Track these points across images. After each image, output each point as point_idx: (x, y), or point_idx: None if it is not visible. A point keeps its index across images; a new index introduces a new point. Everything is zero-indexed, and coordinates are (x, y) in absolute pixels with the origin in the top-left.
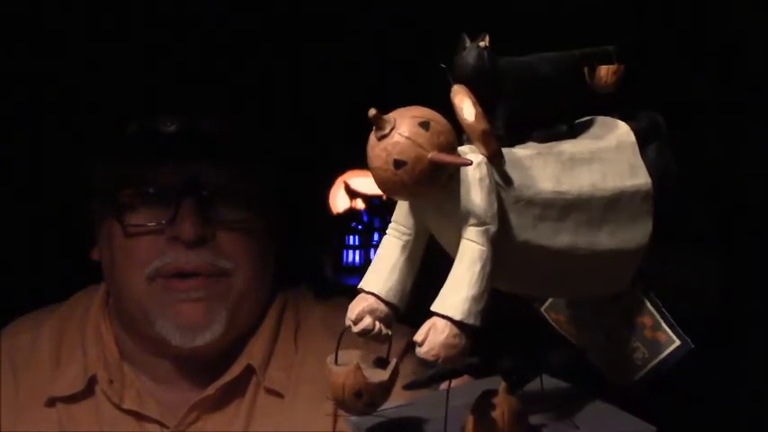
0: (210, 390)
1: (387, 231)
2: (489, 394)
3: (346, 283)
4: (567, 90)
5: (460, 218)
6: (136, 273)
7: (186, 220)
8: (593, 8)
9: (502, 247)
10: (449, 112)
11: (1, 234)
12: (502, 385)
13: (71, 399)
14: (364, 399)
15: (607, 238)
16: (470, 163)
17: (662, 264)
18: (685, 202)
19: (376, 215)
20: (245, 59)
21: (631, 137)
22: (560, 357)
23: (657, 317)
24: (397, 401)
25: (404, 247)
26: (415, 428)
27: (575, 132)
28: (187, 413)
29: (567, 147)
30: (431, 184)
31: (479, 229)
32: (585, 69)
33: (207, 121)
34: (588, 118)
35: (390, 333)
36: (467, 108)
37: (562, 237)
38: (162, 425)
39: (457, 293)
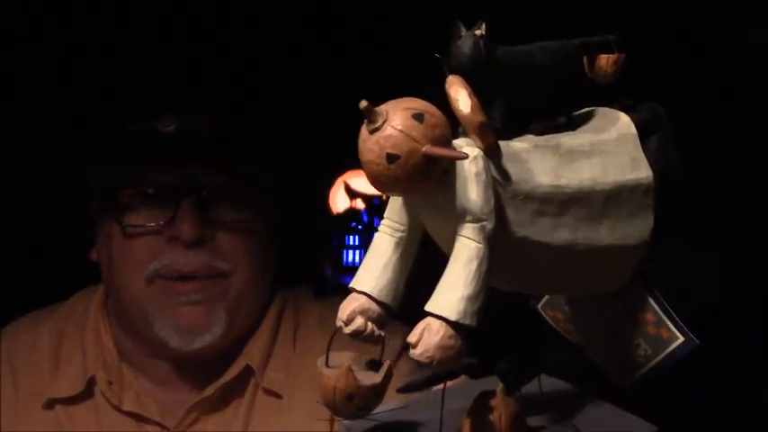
0: (209, 390)
1: (379, 228)
2: (486, 396)
3: (346, 284)
4: (566, 80)
5: (456, 214)
6: (135, 274)
7: (185, 221)
8: None
9: (499, 244)
10: (445, 104)
11: (0, 234)
12: (499, 387)
13: (70, 400)
14: (356, 402)
15: (607, 233)
16: (466, 156)
17: (662, 261)
18: (686, 201)
19: (376, 215)
20: (244, 59)
21: (632, 129)
22: (558, 357)
23: (660, 313)
24: (393, 403)
25: (397, 244)
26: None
27: (574, 124)
28: (186, 414)
29: (566, 139)
30: (425, 178)
31: (476, 225)
32: (585, 59)
33: (206, 121)
34: (588, 109)
35: (383, 334)
36: (462, 99)
37: (561, 232)
38: (161, 426)
39: (452, 293)
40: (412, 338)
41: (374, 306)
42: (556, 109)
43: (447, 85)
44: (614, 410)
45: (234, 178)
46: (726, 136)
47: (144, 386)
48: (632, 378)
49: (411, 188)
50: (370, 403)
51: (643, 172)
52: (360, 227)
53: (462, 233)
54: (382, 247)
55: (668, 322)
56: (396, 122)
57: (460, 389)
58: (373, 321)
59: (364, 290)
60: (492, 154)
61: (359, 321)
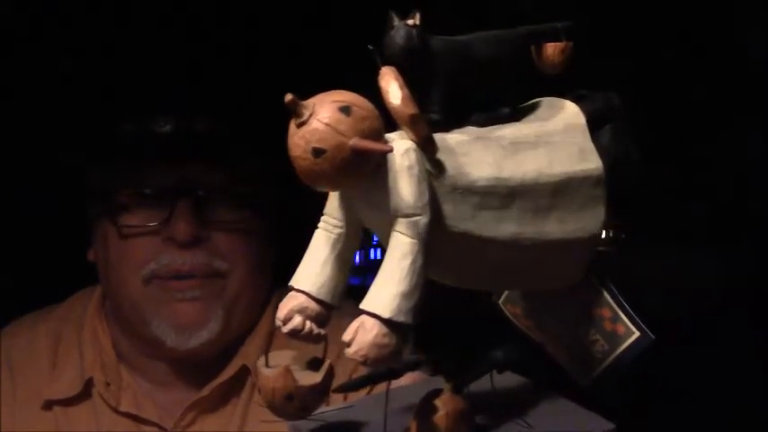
0: (206, 391)
1: (318, 225)
2: (433, 395)
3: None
4: (510, 70)
5: (390, 209)
6: (131, 275)
7: (181, 221)
8: None
9: (439, 239)
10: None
11: None
12: (446, 385)
13: (68, 401)
14: (296, 402)
15: (556, 227)
16: (391, 150)
17: (662, 261)
18: (685, 201)
19: None
20: (241, 59)
21: (581, 119)
22: (509, 354)
23: (616, 308)
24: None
25: (336, 241)
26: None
27: (519, 115)
28: (183, 414)
29: (510, 131)
30: (355, 173)
31: (409, 220)
32: (533, 48)
33: (202, 121)
34: (535, 100)
35: (323, 332)
36: (393, 91)
37: (505, 226)
38: (159, 427)
39: (386, 290)
40: (346, 337)
41: (313, 304)
42: (500, 99)
43: (379, 77)
44: (571, 406)
45: (231, 178)
46: (726, 136)
47: (142, 387)
48: (593, 375)
49: (341, 183)
50: (312, 403)
51: (592, 163)
52: None
53: (396, 228)
54: (320, 245)
55: (624, 317)
56: (322, 116)
57: (413, 387)
58: (312, 320)
59: (302, 288)
60: (426, 147)
61: (297, 320)
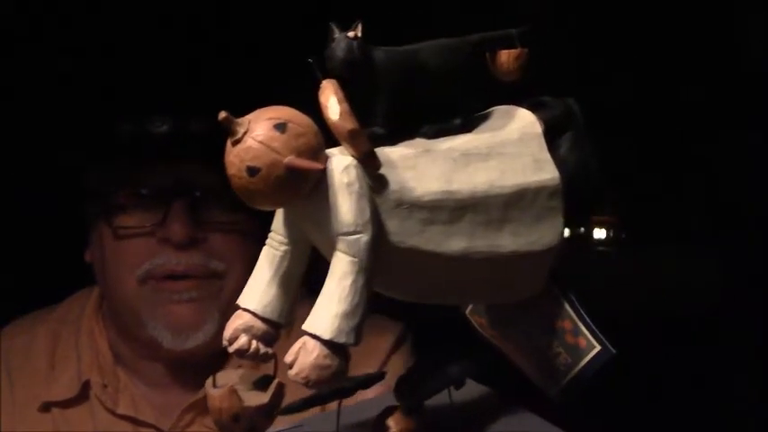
0: (203, 392)
1: (266, 242)
2: (388, 413)
3: None
4: (461, 80)
5: (330, 227)
6: (127, 275)
7: (176, 222)
8: None
9: (387, 255)
10: None
11: None
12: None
13: (66, 404)
14: (242, 423)
15: (510, 240)
16: (323, 168)
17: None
18: (685, 201)
19: None
20: (238, 60)
21: (537, 128)
22: (466, 370)
23: (577, 321)
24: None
25: (282, 258)
26: None
27: (472, 126)
28: (181, 416)
29: (460, 142)
30: (292, 191)
31: (349, 239)
32: (488, 56)
33: (198, 121)
34: (490, 109)
35: (271, 351)
36: (332, 106)
37: (455, 241)
38: (157, 429)
39: (326, 310)
40: (288, 358)
41: (259, 323)
42: (451, 110)
43: (319, 92)
44: (534, 420)
45: (226, 179)
46: (725, 136)
47: (139, 389)
48: (559, 387)
49: (279, 201)
50: (259, 423)
51: (548, 173)
52: None
53: (337, 247)
54: (267, 263)
55: (585, 330)
56: (256, 133)
57: (376, 401)
58: (258, 339)
59: (248, 307)
60: (367, 162)
61: (242, 340)
